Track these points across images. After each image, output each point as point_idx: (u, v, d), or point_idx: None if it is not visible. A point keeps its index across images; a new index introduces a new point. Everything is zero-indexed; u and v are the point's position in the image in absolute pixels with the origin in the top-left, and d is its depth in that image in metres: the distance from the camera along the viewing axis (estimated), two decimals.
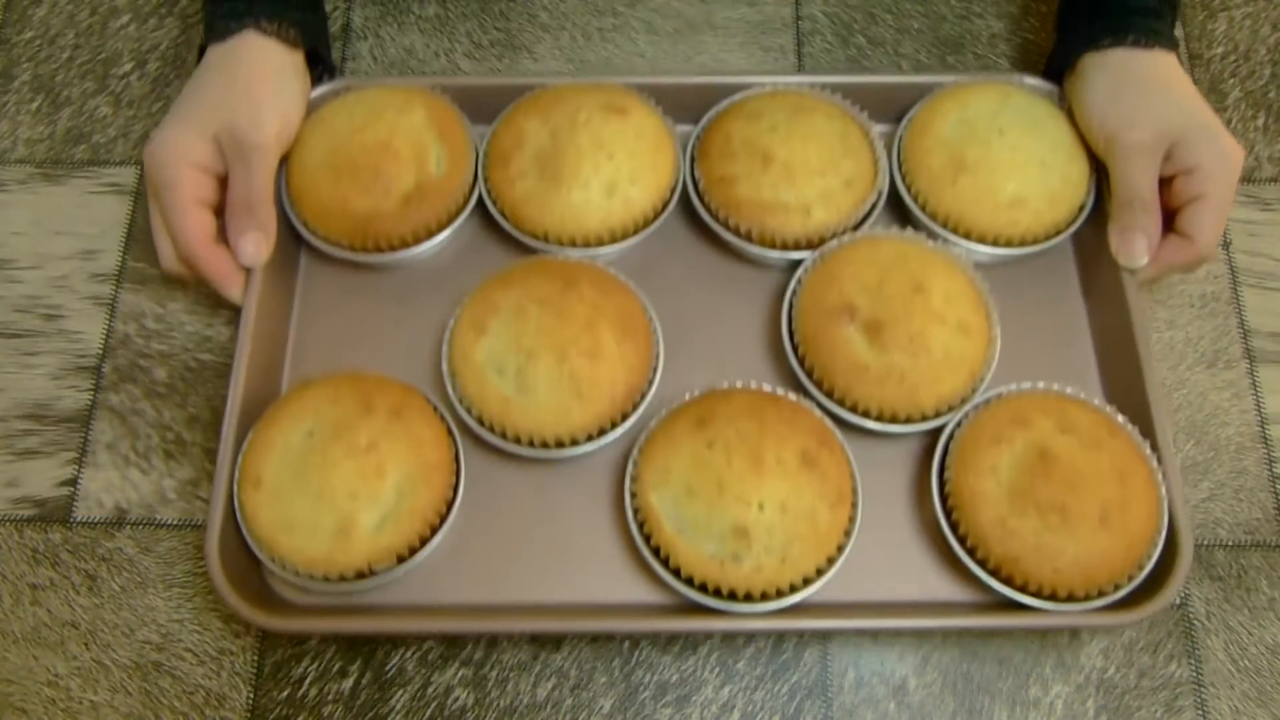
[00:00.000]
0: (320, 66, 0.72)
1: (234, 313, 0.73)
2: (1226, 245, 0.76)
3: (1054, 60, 0.72)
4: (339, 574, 0.59)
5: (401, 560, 0.61)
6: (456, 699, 0.63)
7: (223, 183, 0.66)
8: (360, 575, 0.60)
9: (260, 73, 0.66)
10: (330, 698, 0.64)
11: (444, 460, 0.62)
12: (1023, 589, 0.59)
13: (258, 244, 0.65)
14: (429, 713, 0.63)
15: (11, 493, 0.70)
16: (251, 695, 0.65)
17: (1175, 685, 0.65)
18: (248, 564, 0.62)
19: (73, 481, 0.70)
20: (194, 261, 0.64)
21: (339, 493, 0.59)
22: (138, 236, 0.76)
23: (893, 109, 0.74)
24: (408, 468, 0.60)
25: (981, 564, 0.60)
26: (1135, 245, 0.65)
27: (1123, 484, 0.59)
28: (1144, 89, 0.66)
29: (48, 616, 0.66)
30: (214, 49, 0.67)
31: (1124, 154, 0.65)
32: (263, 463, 0.61)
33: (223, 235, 0.65)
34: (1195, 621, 0.66)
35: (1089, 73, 0.68)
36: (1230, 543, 0.68)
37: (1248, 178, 0.78)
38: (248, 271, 0.66)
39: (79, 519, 0.69)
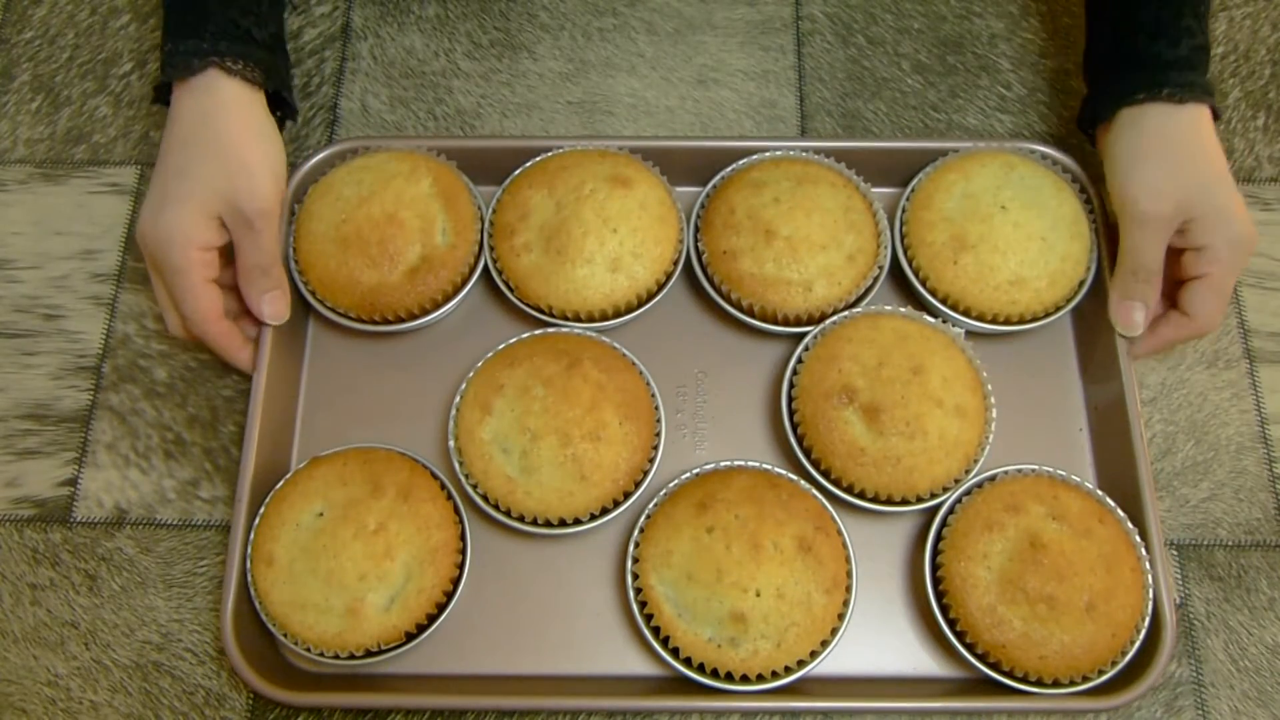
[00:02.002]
0: (283, 110, 0.71)
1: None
2: None
3: (1087, 110, 0.70)
4: (349, 652, 0.61)
5: (410, 637, 0.62)
6: None
7: (225, 254, 0.66)
8: (369, 653, 0.62)
9: (243, 134, 0.65)
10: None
11: (450, 540, 0.63)
12: (1009, 674, 0.61)
13: (276, 302, 0.66)
14: None
15: (11, 493, 0.70)
16: (251, 695, 0.65)
17: (1175, 685, 0.65)
18: (261, 633, 0.64)
19: (73, 481, 0.70)
20: (206, 338, 0.65)
21: (348, 574, 0.60)
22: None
23: (897, 174, 0.74)
24: (415, 548, 0.62)
25: (970, 648, 0.62)
26: (1134, 315, 0.66)
27: (1110, 572, 0.60)
28: (1172, 156, 0.65)
29: (48, 616, 0.67)
30: (181, 96, 0.65)
31: (1138, 222, 0.64)
32: (275, 542, 0.62)
33: (232, 306, 0.67)
34: (1195, 621, 0.66)
35: (1123, 130, 0.67)
36: (1230, 543, 0.68)
37: (1248, 178, 0.78)
38: (255, 343, 0.67)
39: (79, 519, 0.69)
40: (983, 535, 0.62)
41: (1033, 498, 0.62)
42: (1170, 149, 0.65)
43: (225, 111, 0.65)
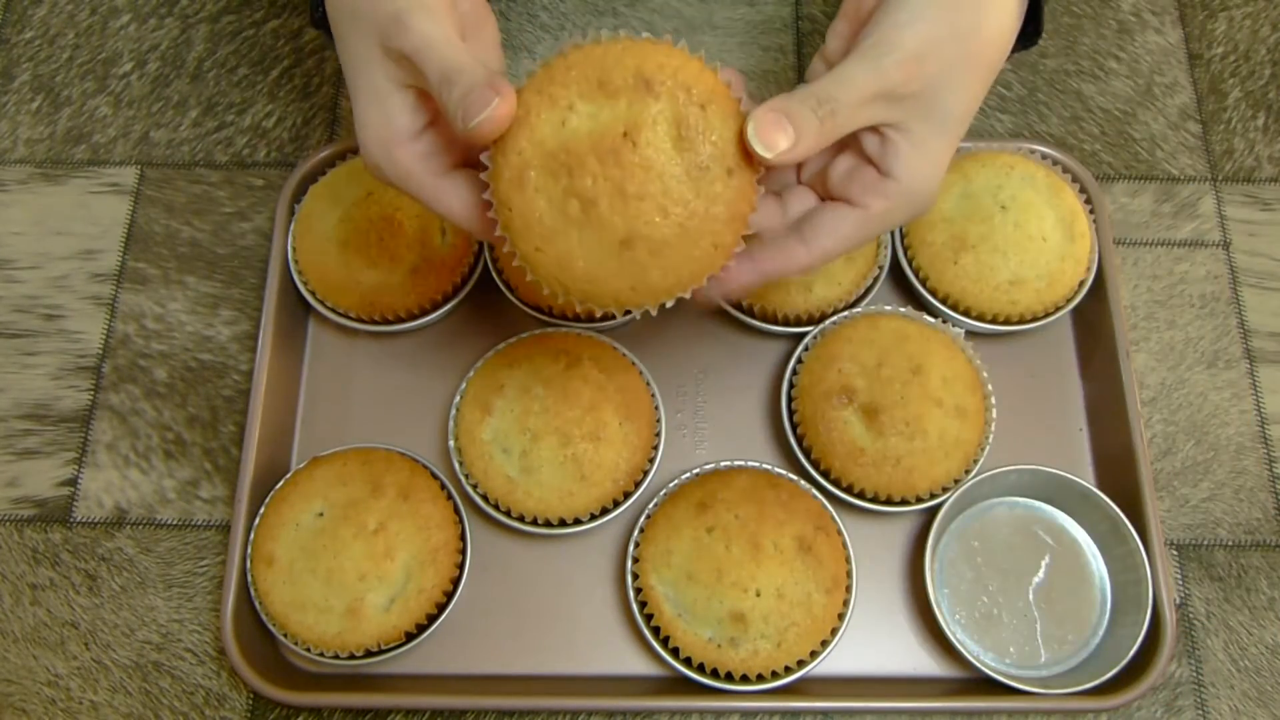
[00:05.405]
0: None
1: (237, 311, 0.74)
2: (1226, 245, 0.76)
3: None
4: (349, 652, 0.61)
5: (410, 637, 0.62)
6: None
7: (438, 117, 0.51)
8: (369, 653, 0.62)
9: None
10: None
11: (450, 540, 0.63)
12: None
13: (473, 107, 0.46)
14: None
15: (11, 493, 0.70)
16: (251, 695, 0.65)
17: (1175, 685, 0.65)
18: (261, 633, 0.64)
19: (73, 481, 0.70)
20: (481, 238, 0.53)
21: (348, 574, 0.61)
22: (138, 236, 0.76)
23: None
24: (415, 548, 0.62)
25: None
26: (779, 133, 0.46)
27: None
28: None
29: (48, 616, 0.67)
30: None
31: (881, 50, 0.48)
32: (275, 542, 0.62)
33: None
34: (1195, 621, 0.66)
35: None
36: (1230, 543, 0.68)
37: (1248, 178, 0.78)
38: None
39: (79, 519, 0.69)
40: None
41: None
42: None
43: None
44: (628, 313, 0.47)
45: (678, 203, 0.45)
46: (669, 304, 0.48)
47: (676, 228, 0.45)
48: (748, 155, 0.45)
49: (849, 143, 0.51)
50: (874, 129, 0.50)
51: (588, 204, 0.45)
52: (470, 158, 0.51)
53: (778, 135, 0.46)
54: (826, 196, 0.53)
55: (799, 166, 0.54)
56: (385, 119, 0.50)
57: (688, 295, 0.48)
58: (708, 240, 0.46)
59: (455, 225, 0.51)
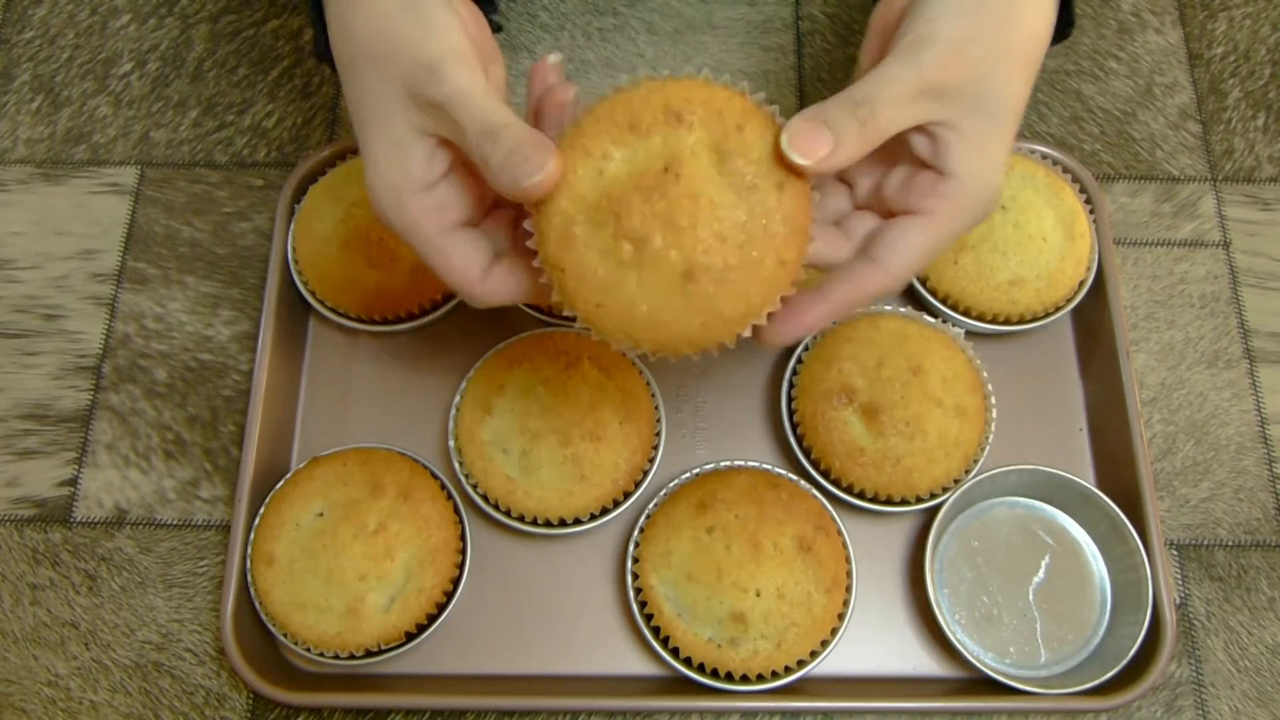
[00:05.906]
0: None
1: (237, 311, 0.74)
2: (1226, 245, 0.76)
3: None
4: (349, 652, 0.61)
5: (410, 637, 0.62)
6: None
7: (460, 163, 0.50)
8: (369, 653, 0.62)
9: (388, 11, 0.47)
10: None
11: (450, 539, 0.63)
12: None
13: (521, 165, 0.44)
14: None
15: (11, 493, 0.70)
16: (251, 695, 0.65)
17: (1175, 685, 0.65)
18: (261, 633, 0.64)
19: (73, 481, 0.70)
20: (479, 305, 0.50)
21: (348, 574, 0.61)
22: (138, 236, 0.76)
23: None
24: (415, 548, 0.62)
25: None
26: (819, 141, 0.44)
27: None
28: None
29: (48, 616, 0.67)
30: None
31: (920, 46, 0.47)
32: (275, 541, 0.62)
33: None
34: (1195, 621, 0.66)
35: None
36: (1230, 543, 0.68)
37: (1248, 178, 0.78)
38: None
39: (79, 519, 0.69)
40: None
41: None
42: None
43: (362, 6, 0.48)
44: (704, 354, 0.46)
45: (733, 226, 0.43)
46: (744, 334, 0.46)
47: (737, 251, 0.43)
48: (794, 168, 0.44)
49: (899, 153, 0.49)
50: (922, 130, 0.48)
51: (640, 243, 0.43)
52: (476, 216, 0.50)
53: (815, 142, 0.44)
54: (886, 216, 0.50)
55: (852, 189, 0.52)
56: (403, 167, 0.48)
57: (763, 321, 0.46)
58: (771, 258, 0.44)
59: (447, 285, 0.49)
